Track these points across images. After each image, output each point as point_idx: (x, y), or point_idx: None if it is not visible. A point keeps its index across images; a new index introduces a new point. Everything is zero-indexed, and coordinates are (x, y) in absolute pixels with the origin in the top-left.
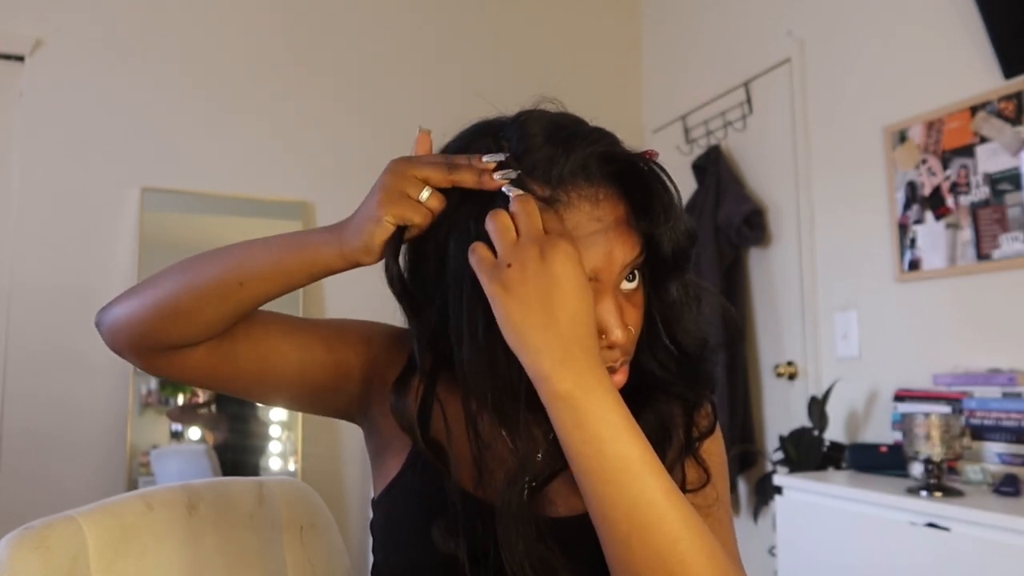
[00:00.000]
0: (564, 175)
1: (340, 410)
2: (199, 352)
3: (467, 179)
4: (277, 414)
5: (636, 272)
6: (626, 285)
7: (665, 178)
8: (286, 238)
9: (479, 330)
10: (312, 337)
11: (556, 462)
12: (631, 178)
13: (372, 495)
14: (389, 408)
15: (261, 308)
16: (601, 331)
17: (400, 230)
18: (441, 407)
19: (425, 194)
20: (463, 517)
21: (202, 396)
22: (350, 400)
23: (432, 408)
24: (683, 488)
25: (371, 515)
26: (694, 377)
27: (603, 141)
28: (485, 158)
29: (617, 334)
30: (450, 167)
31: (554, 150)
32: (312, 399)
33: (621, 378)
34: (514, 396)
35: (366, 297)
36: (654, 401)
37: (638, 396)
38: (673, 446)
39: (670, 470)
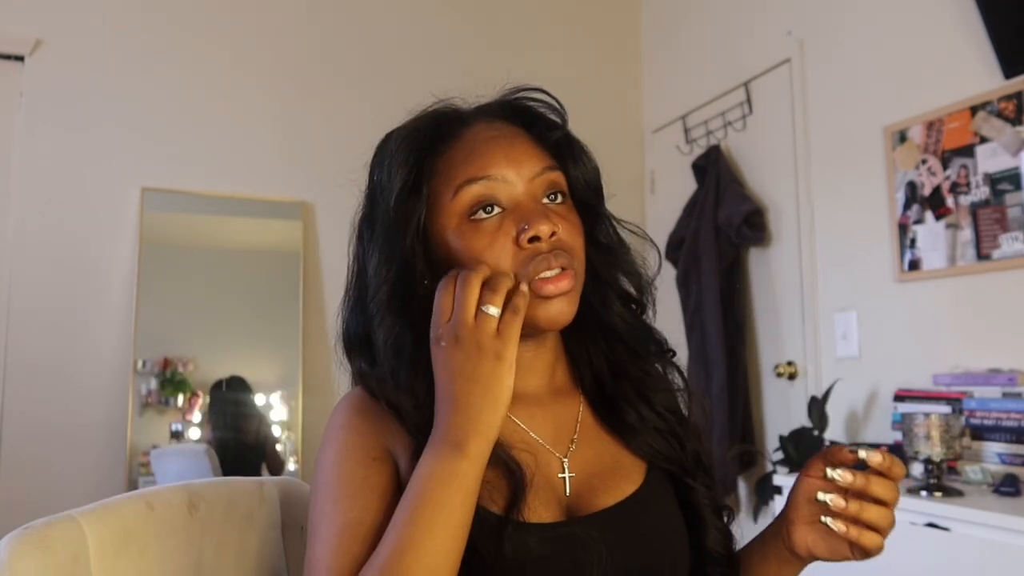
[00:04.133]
0: (467, 115)
1: None
2: None
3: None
4: (277, 414)
5: (560, 196)
6: (549, 202)
7: (552, 101)
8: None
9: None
10: (379, 512)
11: None
12: (523, 111)
13: None
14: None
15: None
16: (524, 222)
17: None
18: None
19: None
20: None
21: (200, 397)
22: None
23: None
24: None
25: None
26: (648, 329)
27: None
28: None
29: (542, 228)
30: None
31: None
32: None
33: (567, 283)
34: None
35: None
36: (663, 382)
37: (633, 367)
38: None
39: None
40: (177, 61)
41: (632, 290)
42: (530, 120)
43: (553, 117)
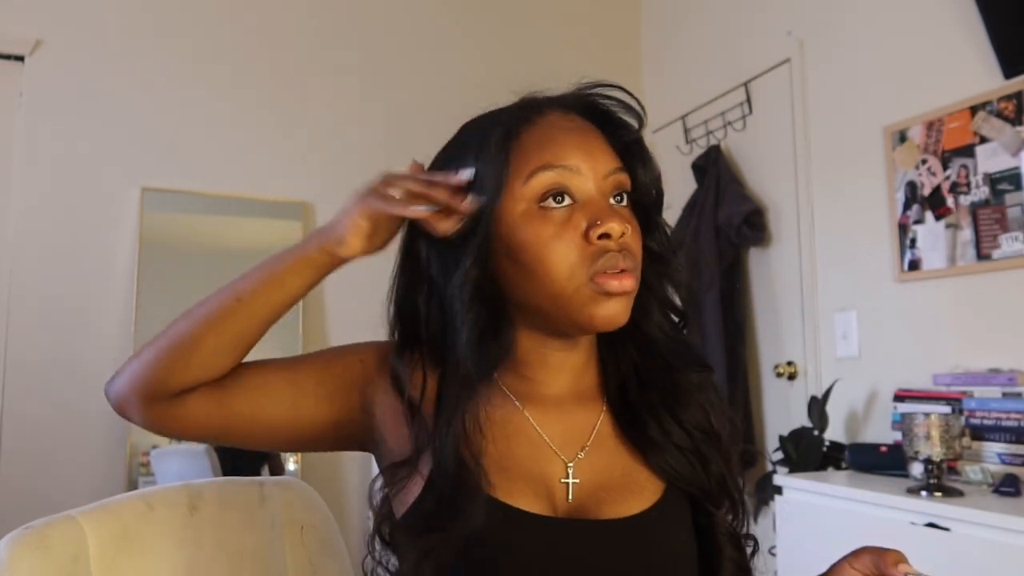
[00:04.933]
0: (542, 103)
1: (347, 441)
2: (195, 397)
3: (439, 196)
4: None
5: (624, 196)
6: (614, 203)
7: (630, 99)
8: (277, 253)
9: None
10: (302, 373)
11: None
12: (595, 107)
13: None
14: (399, 425)
15: (262, 361)
16: (596, 218)
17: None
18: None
19: (397, 193)
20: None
21: None
22: (353, 430)
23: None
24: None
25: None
26: (685, 343)
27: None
28: (462, 174)
29: (614, 226)
30: (427, 181)
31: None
32: (314, 437)
33: (631, 283)
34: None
35: (366, 311)
36: (697, 396)
37: (665, 383)
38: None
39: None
40: (177, 61)
41: (677, 302)
42: (604, 118)
43: (628, 118)
